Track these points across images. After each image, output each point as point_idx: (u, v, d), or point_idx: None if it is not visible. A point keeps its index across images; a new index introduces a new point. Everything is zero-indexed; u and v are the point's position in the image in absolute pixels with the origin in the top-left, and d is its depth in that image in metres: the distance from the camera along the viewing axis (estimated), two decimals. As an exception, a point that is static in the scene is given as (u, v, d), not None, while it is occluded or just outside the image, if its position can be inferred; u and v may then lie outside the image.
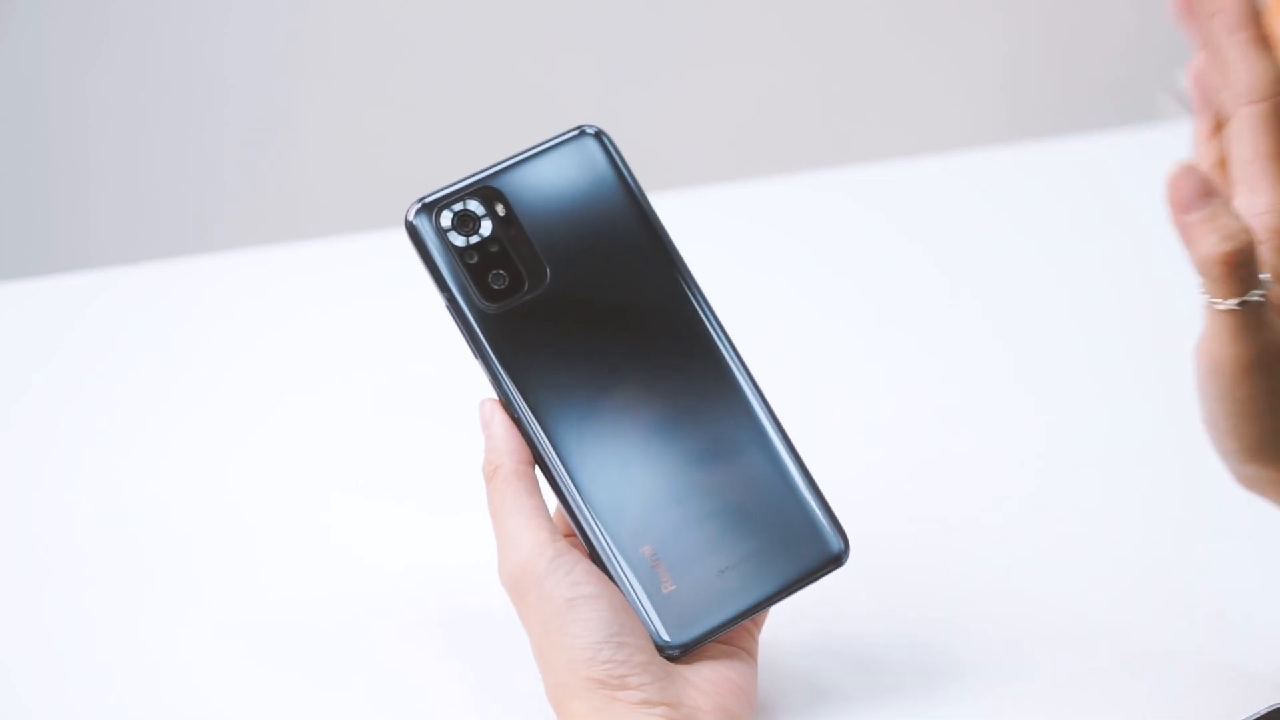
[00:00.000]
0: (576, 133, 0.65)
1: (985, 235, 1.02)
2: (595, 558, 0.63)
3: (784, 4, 2.15)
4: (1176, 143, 1.17)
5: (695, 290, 0.65)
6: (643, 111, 2.15)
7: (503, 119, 2.11)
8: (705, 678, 0.62)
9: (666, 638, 0.62)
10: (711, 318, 0.65)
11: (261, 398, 0.87)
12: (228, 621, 0.72)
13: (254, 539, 0.77)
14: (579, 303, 0.64)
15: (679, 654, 0.62)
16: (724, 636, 0.63)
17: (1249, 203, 0.60)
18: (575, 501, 0.62)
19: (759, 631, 0.65)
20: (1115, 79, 2.24)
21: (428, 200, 0.64)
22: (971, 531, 0.77)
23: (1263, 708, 0.64)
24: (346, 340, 0.92)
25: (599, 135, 0.65)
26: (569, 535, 0.64)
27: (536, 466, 0.63)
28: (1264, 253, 0.59)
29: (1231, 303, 0.59)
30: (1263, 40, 0.62)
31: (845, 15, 2.16)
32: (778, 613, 0.67)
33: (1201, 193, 0.57)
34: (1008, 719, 0.67)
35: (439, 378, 0.88)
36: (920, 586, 0.73)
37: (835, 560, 0.64)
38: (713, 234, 0.99)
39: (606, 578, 0.62)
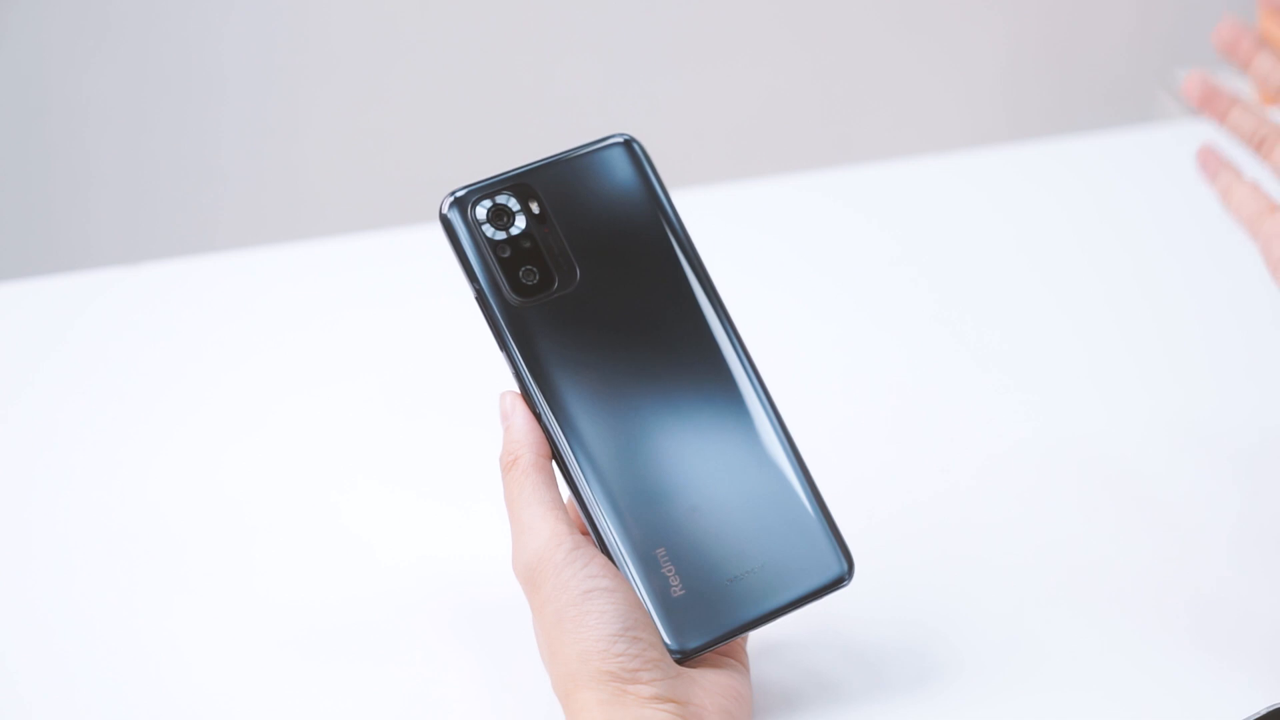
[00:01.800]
0: (610, 139, 0.66)
1: (985, 235, 1.02)
2: (607, 555, 0.63)
3: (784, 4, 2.15)
4: (1176, 143, 1.17)
5: (719, 303, 0.66)
6: (643, 112, 2.15)
7: (504, 119, 2.11)
8: (711, 680, 0.62)
9: (670, 642, 0.62)
10: (733, 331, 0.65)
11: (263, 397, 0.87)
12: (234, 617, 0.72)
13: (256, 537, 0.77)
14: (607, 305, 0.64)
15: (680, 659, 0.62)
16: (721, 647, 0.64)
17: None
18: (590, 498, 0.63)
19: (745, 643, 0.66)
20: (1115, 79, 2.24)
21: (462, 191, 0.64)
22: (972, 530, 0.77)
23: (1263, 708, 0.64)
24: (348, 340, 0.92)
25: (632, 143, 0.66)
26: (583, 532, 0.64)
27: (553, 461, 0.64)
28: None
29: None
30: None
31: (845, 15, 2.16)
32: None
33: None
34: (1007, 715, 0.67)
35: (440, 375, 0.88)
36: (918, 583, 0.73)
37: (839, 582, 0.64)
38: (712, 235, 0.99)
39: (621, 573, 0.62)
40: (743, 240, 1.00)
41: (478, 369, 0.86)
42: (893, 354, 0.91)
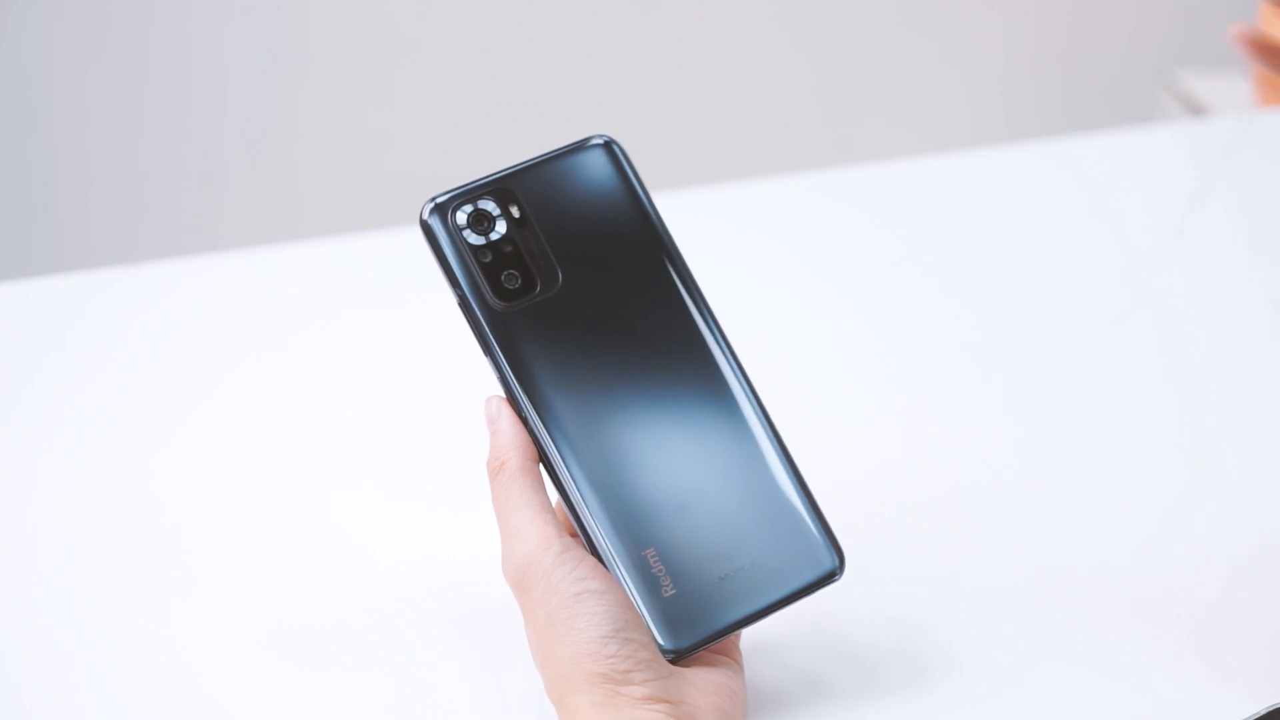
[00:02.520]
0: (589, 141, 0.66)
1: (984, 236, 1.02)
2: (597, 557, 0.63)
3: (783, 4, 2.15)
4: (1176, 143, 1.17)
5: (702, 302, 0.66)
6: (643, 112, 2.15)
7: (503, 120, 2.11)
8: (704, 679, 0.62)
9: (663, 642, 0.62)
10: (716, 329, 0.65)
11: (263, 397, 0.87)
12: (234, 617, 0.72)
13: (256, 537, 0.77)
14: (590, 307, 0.64)
15: (674, 659, 0.62)
16: (714, 645, 0.64)
17: None
18: (579, 501, 0.63)
19: (738, 641, 0.66)
20: (1115, 79, 2.24)
21: (443, 198, 0.64)
22: (968, 530, 0.77)
23: (1263, 708, 0.64)
24: (348, 340, 0.92)
25: (611, 144, 0.66)
26: (572, 535, 0.64)
27: (540, 465, 0.64)
28: None
29: None
30: None
31: (845, 15, 2.17)
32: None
33: None
34: (1001, 715, 0.67)
35: (440, 376, 0.88)
36: (912, 582, 0.73)
37: (830, 576, 0.64)
38: (712, 235, 0.99)
39: (611, 575, 0.62)
40: (743, 241, 1.00)
41: (478, 370, 0.86)
42: (893, 354, 0.91)
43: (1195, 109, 2.03)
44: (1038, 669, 0.69)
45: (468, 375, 0.87)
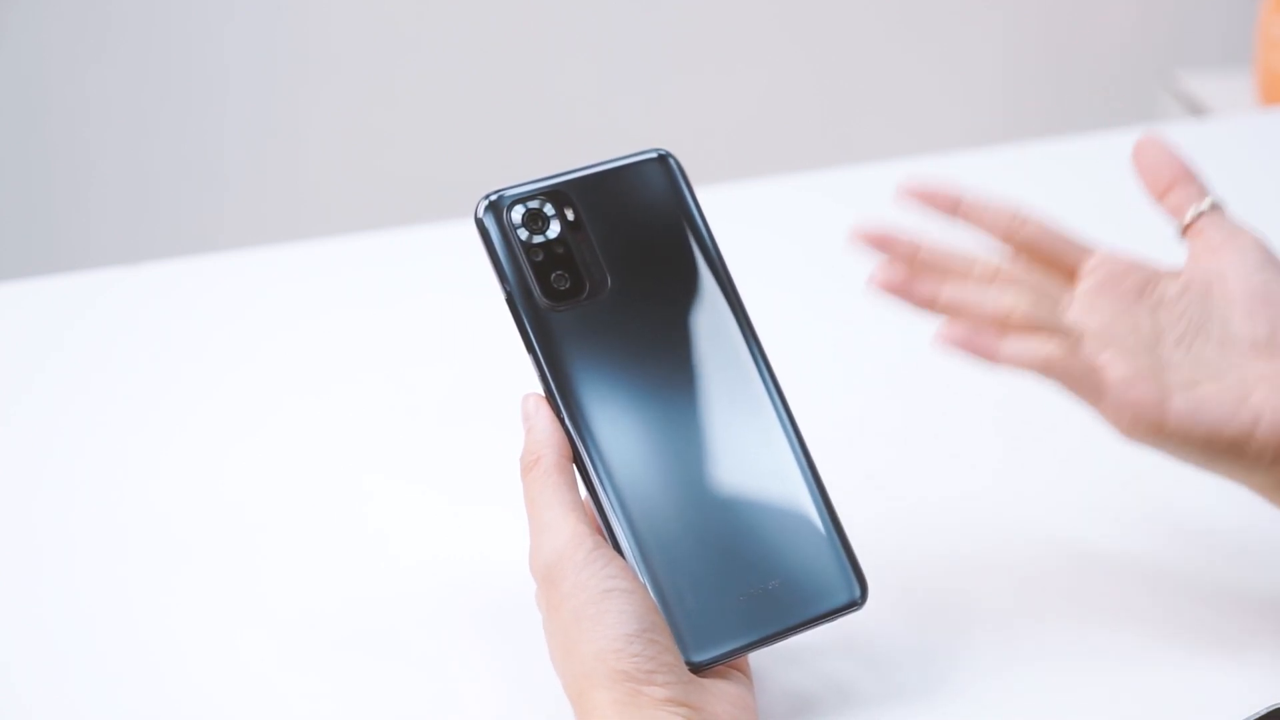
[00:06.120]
0: (646, 153, 0.67)
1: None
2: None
3: (783, 5, 2.15)
4: (1176, 143, 1.17)
5: (745, 320, 0.66)
6: (643, 112, 2.15)
7: (504, 121, 2.11)
8: (721, 689, 0.62)
9: (680, 653, 0.62)
10: (757, 348, 0.66)
11: (264, 397, 0.87)
12: (236, 620, 0.72)
13: (259, 538, 0.77)
14: (635, 315, 0.65)
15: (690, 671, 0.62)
16: None
17: None
18: (609, 505, 0.63)
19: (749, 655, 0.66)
20: (1115, 79, 2.24)
21: (499, 194, 0.65)
22: (985, 533, 0.77)
23: (1263, 708, 0.64)
24: (348, 341, 0.92)
25: (668, 158, 0.67)
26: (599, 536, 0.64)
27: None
28: None
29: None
30: None
31: (844, 16, 2.17)
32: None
33: None
34: (1010, 716, 0.67)
35: (441, 376, 0.88)
36: (931, 585, 0.73)
37: (852, 605, 0.65)
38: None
39: (638, 577, 0.62)
40: (742, 241, 1.00)
41: (478, 369, 0.86)
42: (896, 355, 0.91)
43: (1195, 109, 2.03)
44: (1054, 673, 0.68)
45: (471, 375, 0.87)
